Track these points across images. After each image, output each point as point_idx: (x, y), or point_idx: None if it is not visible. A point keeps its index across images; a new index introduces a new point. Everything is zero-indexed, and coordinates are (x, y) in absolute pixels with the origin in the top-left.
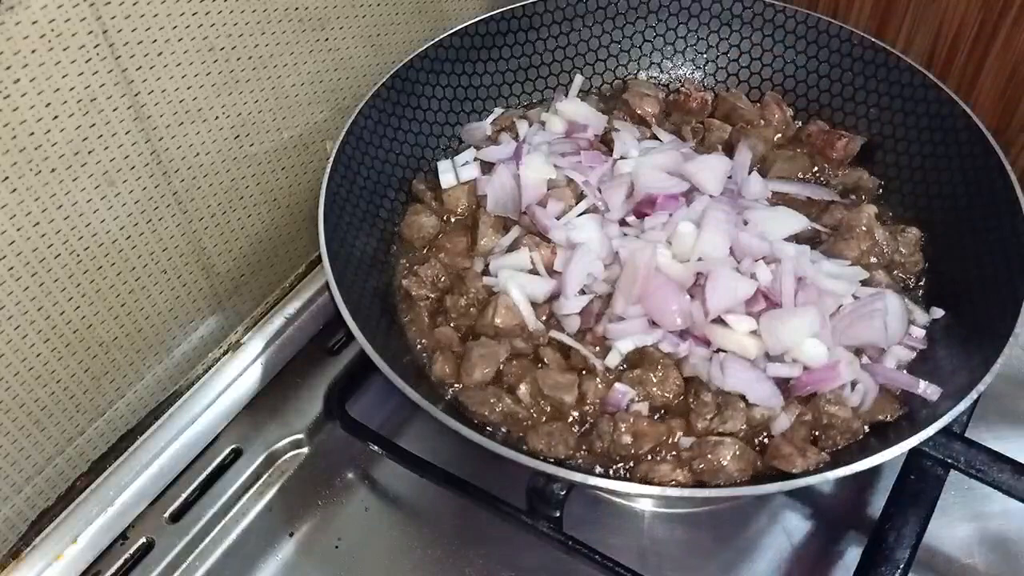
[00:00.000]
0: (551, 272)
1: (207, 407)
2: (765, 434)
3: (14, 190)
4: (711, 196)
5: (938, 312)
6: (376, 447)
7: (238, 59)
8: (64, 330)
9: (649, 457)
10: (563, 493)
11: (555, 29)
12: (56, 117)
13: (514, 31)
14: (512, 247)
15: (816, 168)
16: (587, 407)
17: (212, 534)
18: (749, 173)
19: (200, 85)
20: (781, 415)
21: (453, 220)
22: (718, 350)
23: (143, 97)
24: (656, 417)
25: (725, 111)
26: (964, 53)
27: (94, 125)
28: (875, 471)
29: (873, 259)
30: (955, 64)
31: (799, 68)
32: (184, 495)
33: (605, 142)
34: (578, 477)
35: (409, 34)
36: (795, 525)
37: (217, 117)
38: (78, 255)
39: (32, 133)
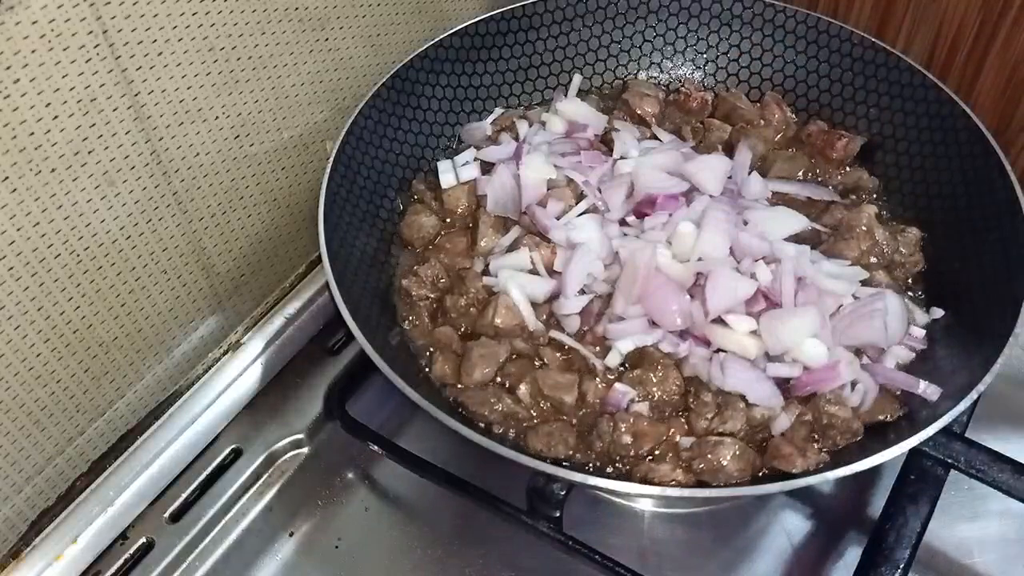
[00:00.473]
0: (551, 272)
1: (207, 407)
2: (765, 434)
3: (14, 190)
4: (711, 196)
5: (938, 312)
6: (376, 447)
7: (238, 59)
8: (64, 330)
9: (649, 457)
10: (563, 493)
11: (555, 29)
12: (56, 117)
13: (514, 31)
14: (512, 247)
15: (816, 168)
16: (587, 407)
17: (212, 534)
18: (749, 173)
19: (200, 85)
20: (781, 415)
21: (453, 220)
22: (718, 350)
23: (143, 97)
24: (656, 417)
25: (725, 111)
26: (964, 53)
27: (94, 125)
28: (875, 471)
29: (873, 259)
30: (955, 64)
31: (799, 68)
32: (184, 495)
33: (605, 142)
34: (578, 477)
35: (409, 34)
36: (795, 525)
37: (217, 117)
38: (78, 255)
39: (32, 133)
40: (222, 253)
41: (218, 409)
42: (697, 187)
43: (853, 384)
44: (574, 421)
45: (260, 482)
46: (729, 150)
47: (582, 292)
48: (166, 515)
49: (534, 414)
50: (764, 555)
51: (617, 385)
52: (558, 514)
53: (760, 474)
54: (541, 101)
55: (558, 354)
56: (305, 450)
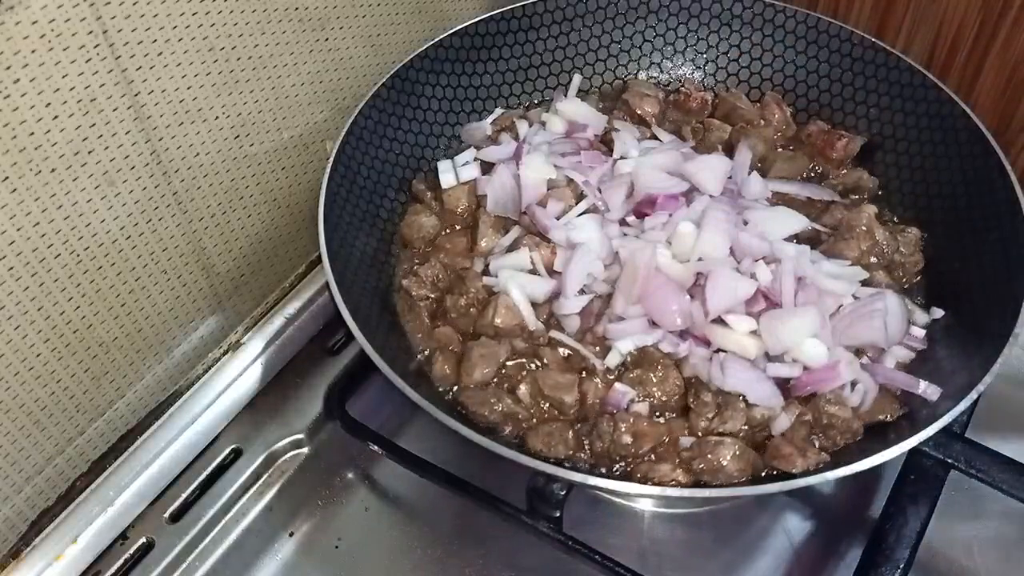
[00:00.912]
0: (551, 272)
1: (207, 407)
2: (765, 434)
3: (14, 190)
4: (711, 196)
5: (938, 312)
6: (376, 447)
7: (238, 59)
8: (64, 330)
9: (649, 457)
10: (563, 493)
11: (555, 29)
12: (56, 117)
13: (514, 31)
14: (512, 247)
15: (816, 168)
16: (587, 407)
17: (212, 534)
18: (749, 173)
19: (200, 85)
20: (781, 415)
21: (453, 220)
22: (718, 350)
23: (143, 97)
24: (656, 417)
25: (725, 111)
26: (964, 53)
27: (94, 125)
28: (875, 471)
29: (873, 259)
30: (955, 64)
31: (799, 68)
32: (184, 495)
33: (605, 142)
34: (578, 477)
35: (409, 34)
36: (795, 525)
37: (217, 117)
38: (78, 255)
39: (32, 133)
40: (222, 253)
41: (218, 409)
42: (697, 187)
43: (853, 384)
44: (574, 421)
45: (260, 482)
46: (729, 150)
47: (582, 292)
48: (166, 515)
49: (534, 414)
50: (764, 555)
51: (617, 385)
52: (558, 514)
53: (760, 474)
54: (541, 101)
55: (558, 354)
56: (305, 450)
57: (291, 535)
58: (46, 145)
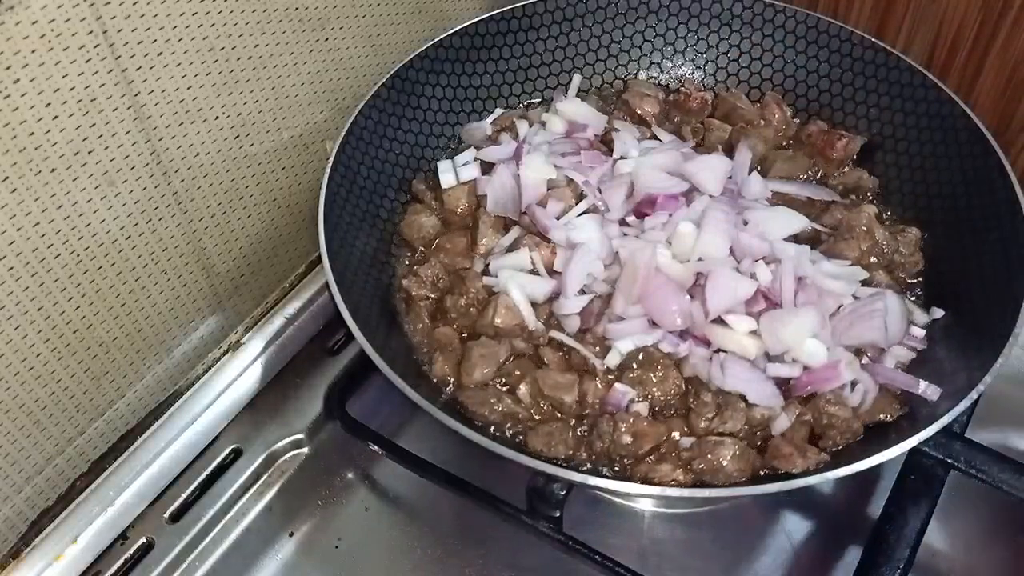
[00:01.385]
0: (551, 272)
1: (207, 407)
2: (765, 434)
3: (14, 190)
4: (711, 196)
5: (938, 312)
6: (376, 447)
7: (238, 59)
8: (64, 330)
9: (649, 457)
10: (563, 493)
11: (555, 29)
12: (56, 117)
13: (514, 31)
14: (512, 247)
15: (816, 168)
16: (587, 407)
17: (212, 534)
18: (749, 173)
19: (200, 85)
20: (781, 415)
21: (453, 220)
22: (718, 350)
23: (143, 97)
24: (656, 417)
25: (725, 111)
26: (964, 53)
27: (94, 125)
28: (875, 471)
29: (873, 259)
30: (955, 64)
31: (799, 68)
32: (184, 495)
33: (605, 142)
34: (578, 477)
35: (409, 34)
36: (795, 525)
37: (217, 117)
38: (78, 255)
39: (32, 133)
40: (222, 253)
41: (218, 409)
42: (697, 187)
43: (853, 384)
44: (573, 421)
45: (260, 482)
46: (729, 150)
47: (582, 292)
48: (166, 515)
49: (534, 414)
50: (764, 555)
51: (617, 385)
52: (558, 514)
53: (760, 474)
54: (541, 101)
55: (558, 354)
56: (305, 450)
57: (291, 535)
58: (46, 145)
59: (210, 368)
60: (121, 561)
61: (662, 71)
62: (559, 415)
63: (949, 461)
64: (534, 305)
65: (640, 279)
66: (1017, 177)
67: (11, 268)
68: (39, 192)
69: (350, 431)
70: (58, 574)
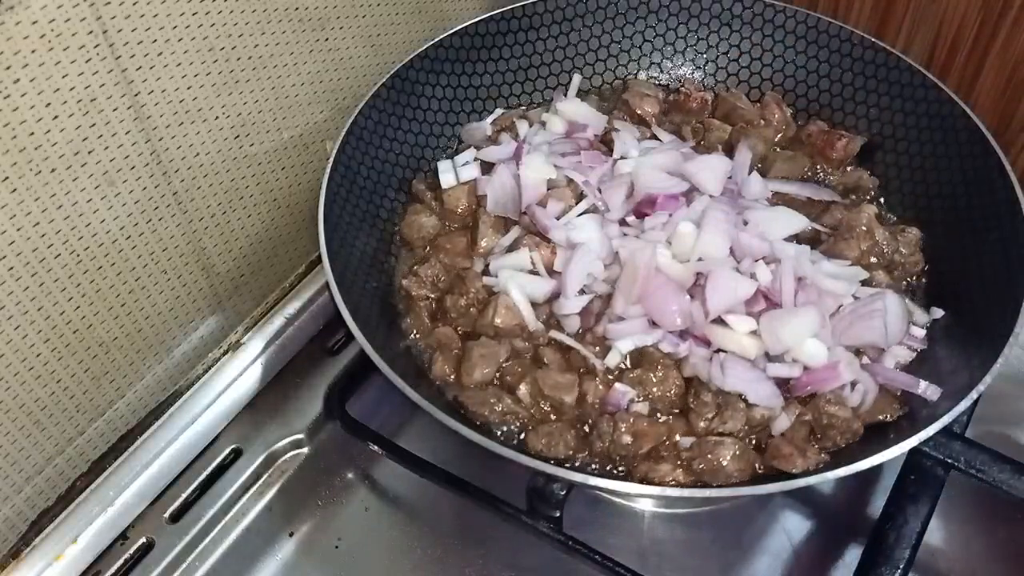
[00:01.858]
0: (551, 272)
1: (207, 407)
2: (765, 434)
3: (14, 190)
4: (711, 196)
5: (938, 312)
6: (376, 447)
7: (238, 59)
8: (64, 330)
9: (649, 457)
10: (563, 493)
11: (555, 29)
12: (56, 117)
13: (514, 31)
14: (512, 247)
15: (816, 168)
16: (587, 407)
17: (212, 534)
18: (749, 173)
19: (200, 85)
20: (781, 415)
21: (453, 220)
22: (718, 350)
23: (143, 97)
24: (656, 417)
25: (725, 111)
26: (964, 53)
27: (94, 125)
28: (875, 471)
29: (873, 259)
30: (955, 64)
31: (799, 68)
32: (184, 495)
33: (605, 142)
34: (578, 477)
35: (409, 34)
36: (795, 525)
37: (217, 117)
38: (78, 255)
39: (32, 133)
40: (222, 253)
41: (218, 409)
42: (697, 187)
43: (853, 384)
44: (573, 421)
45: (260, 482)
46: (729, 150)
47: (582, 292)
48: (166, 515)
49: (534, 414)
50: (764, 555)
51: (617, 385)
52: (558, 514)
53: (760, 474)
54: (541, 101)
55: (558, 354)
56: (305, 450)
57: (291, 535)
58: (46, 145)
59: (210, 368)
60: (121, 561)
61: (662, 71)
62: (559, 415)
63: (949, 461)
64: (534, 305)
65: (640, 279)
66: (1017, 177)
67: (11, 268)
68: (39, 192)
69: (350, 431)
70: (58, 574)
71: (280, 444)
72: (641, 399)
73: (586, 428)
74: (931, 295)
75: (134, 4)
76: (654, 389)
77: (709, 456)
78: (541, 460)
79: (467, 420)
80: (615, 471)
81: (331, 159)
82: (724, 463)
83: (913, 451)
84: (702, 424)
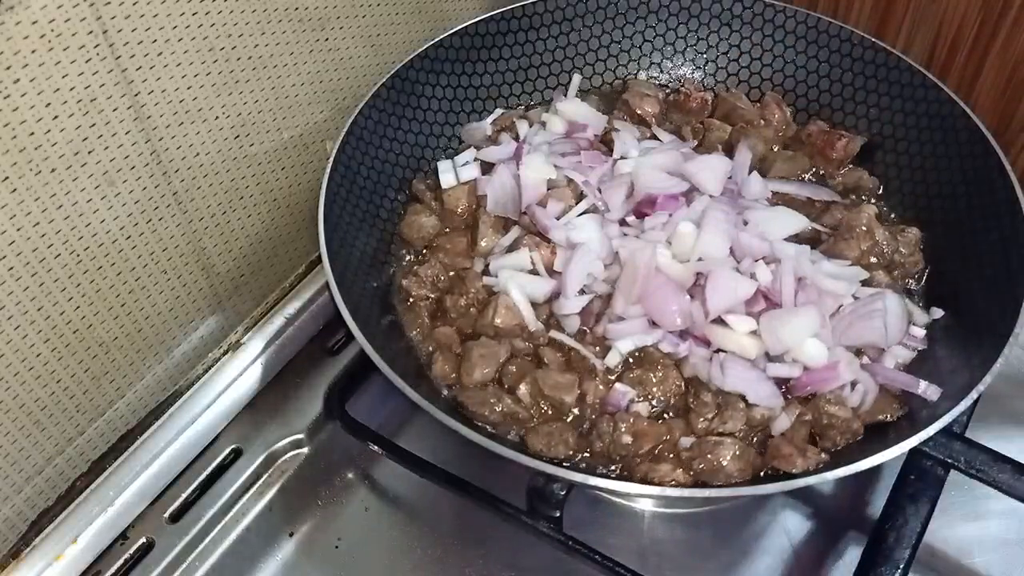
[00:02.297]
0: (551, 272)
1: (207, 407)
2: (765, 434)
3: (14, 190)
4: (711, 196)
5: (938, 312)
6: (376, 447)
7: (238, 59)
8: (64, 330)
9: (649, 457)
10: (563, 493)
11: (555, 29)
12: (56, 117)
13: (514, 31)
14: (512, 247)
15: (816, 168)
16: (587, 407)
17: (212, 534)
18: (749, 173)
19: (200, 85)
20: (781, 415)
21: (453, 220)
22: (718, 350)
23: (143, 97)
24: (656, 417)
25: (725, 111)
26: (964, 53)
27: (94, 125)
28: (875, 471)
29: (873, 259)
30: (955, 64)
31: (799, 68)
32: (184, 495)
33: (605, 142)
34: (578, 477)
35: (409, 34)
36: (795, 525)
37: (217, 117)
38: (78, 255)
39: (32, 133)
40: (222, 253)
41: (218, 409)
42: (697, 187)
43: (853, 384)
44: (573, 421)
45: (260, 482)
46: (729, 150)
47: (582, 292)
48: (166, 515)
49: (534, 414)
50: (764, 555)
51: (617, 385)
52: (558, 514)
53: (760, 474)
54: (541, 101)
55: (558, 354)
56: (305, 450)
57: (291, 535)
58: (46, 145)
59: (210, 368)
60: (121, 561)
61: (662, 71)
62: (559, 415)
63: (949, 461)
64: (534, 305)
65: (640, 279)
66: (1017, 177)
67: (11, 268)
68: (39, 192)
69: (350, 431)
70: (58, 574)
71: (280, 444)
72: (641, 399)
73: (586, 428)
74: (931, 295)
75: (134, 4)
76: (654, 389)
77: (709, 456)
78: (541, 460)
79: (467, 420)
80: (615, 471)
81: (331, 159)
82: (724, 463)
83: (913, 451)
84: (702, 424)
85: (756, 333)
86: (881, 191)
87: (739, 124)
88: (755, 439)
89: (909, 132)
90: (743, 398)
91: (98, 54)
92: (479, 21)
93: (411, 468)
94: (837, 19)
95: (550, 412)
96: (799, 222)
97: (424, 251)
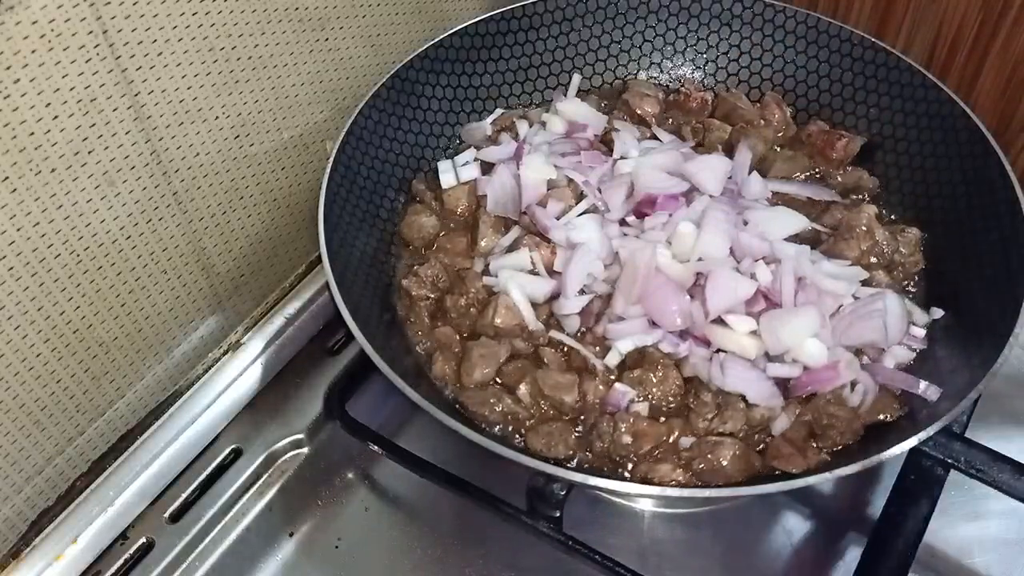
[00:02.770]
0: (551, 272)
1: (207, 407)
2: (765, 434)
3: (14, 190)
4: (711, 196)
5: (938, 312)
6: (376, 447)
7: (238, 59)
8: (64, 330)
9: (649, 457)
10: (563, 493)
11: (555, 29)
12: (56, 117)
13: (514, 31)
14: (512, 247)
15: (816, 168)
16: (587, 407)
17: (212, 534)
18: (749, 173)
19: (200, 85)
20: (781, 415)
21: (453, 220)
22: (718, 350)
23: (143, 97)
24: (656, 417)
25: (725, 111)
26: (964, 53)
27: (94, 125)
28: (875, 471)
29: (873, 259)
30: (955, 64)
31: (799, 68)
32: (184, 495)
33: (605, 142)
34: (578, 477)
35: (409, 34)
36: (795, 525)
37: (217, 117)
38: (78, 255)
39: (32, 133)
40: (222, 253)
41: (218, 409)
42: (697, 187)
43: (853, 384)
44: (573, 421)
45: (260, 482)
46: (729, 150)
47: (582, 292)
48: (166, 515)
49: (534, 414)
50: (764, 555)
51: (617, 385)
52: (558, 514)
53: (760, 474)
54: (541, 101)
55: (558, 354)
56: (305, 450)
57: (291, 535)
58: (46, 145)
59: (210, 368)
60: (121, 561)
61: (662, 71)
62: (559, 415)
63: (949, 461)
64: (534, 305)
65: (640, 279)
66: (1017, 177)
67: (11, 268)
68: (39, 192)
69: (350, 431)
70: (58, 574)
71: (280, 444)
72: (641, 399)
73: (586, 428)
74: (931, 295)
75: (134, 4)
76: (654, 389)
77: (709, 456)
78: (541, 460)
79: (467, 420)
80: (615, 471)
81: (331, 159)
82: (724, 463)
83: (913, 451)
84: (702, 424)
85: (756, 333)
86: (881, 191)
87: (739, 124)
88: (755, 439)
89: (909, 132)
90: (743, 398)
91: (98, 54)
92: (479, 21)
93: (411, 468)
94: (837, 19)
95: (550, 412)
96: (799, 222)
97: (424, 251)
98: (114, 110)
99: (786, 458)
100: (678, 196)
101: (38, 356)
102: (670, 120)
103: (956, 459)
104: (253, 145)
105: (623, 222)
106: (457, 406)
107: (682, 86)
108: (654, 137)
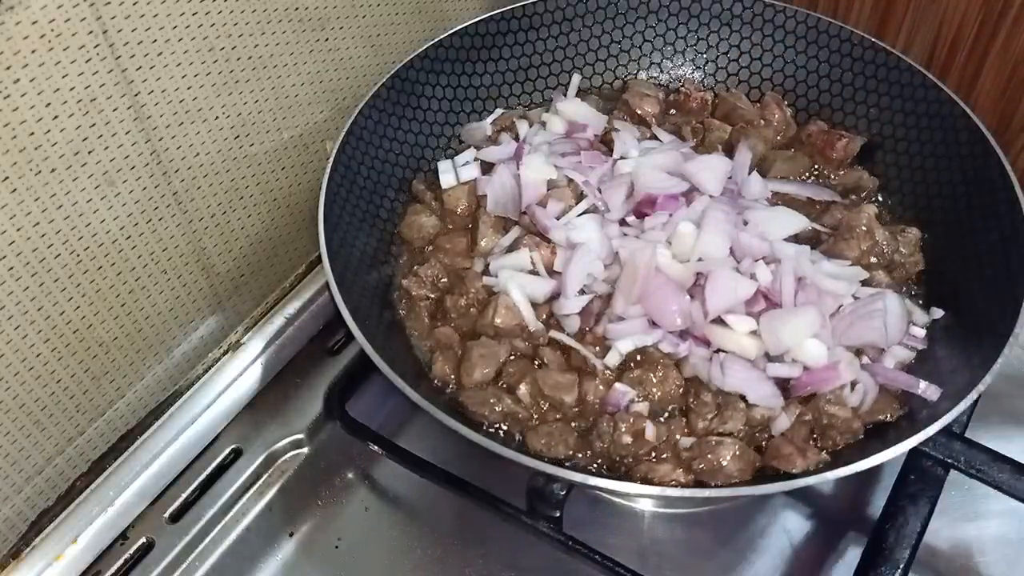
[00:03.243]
0: (551, 272)
1: (207, 407)
2: (765, 434)
3: (14, 190)
4: (711, 196)
5: (938, 312)
6: (376, 447)
7: (238, 59)
8: (64, 330)
9: (649, 457)
10: (563, 493)
11: (555, 29)
12: (56, 117)
13: (514, 31)
14: (512, 247)
15: (816, 168)
16: (587, 407)
17: (212, 534)
18: (749, 173)
19: (200, 85)
20: (781, 415)
21: (453, 220)
22: (718, 350)
23: (143, 97)
24: (656, 417)
25: (725, 111)
26: (964, 53)
27: (94, 125)
28: (875, 471)
29: (873, 259)
30: (955, 64)
31: (799, 68)
32: (184, 495)
33: (605, 142)
34: (578, 477)
35: (409, 34)
36: (795, 525)
37: (217, 117)
38: (78, 255)
39: (32, 133)
40: (222, 253)
41: (218, 409)
42: (697, 187)
43: (853, 384)
44: (573, 421)
45: (260, 482)
46: (729, 150)
47: (582, 292)
48: (166, 515)
49: (534, 414)
50: (764, 555)
51: (617, 385)
52: (558, 514)
53: (760, 474)
54: (541, 101)
55: (558, 354)
56: (305, 450)
57: (291, 535)
58: (46, 145)
59: (210, 368)
60: (121, 561)
61: (662, 71)
62: (559, 415)
63: (949, 461)
64: (534, 305)
65: (640, 279)
66: (1017, 177)
67: (11, 268)
68: (39, 192)
69: (350, 431)
70: (58, 574)
71: (280, 444)
72: (641, 399)
73: (586, 428)
74: (931, 295)
75: (134, 4)
76: (654, 389)
77: (709, 456)
78: (541, 460)
79: (467, 420)
80: (615, 471)
81: (331, 159)
82: (724, 463)
83: (913, 451)
84: (702, 424)
85: (756, 333)
86: (881, 191)
87: (739, 124)
88: (755, 439)
89: (909, 132)
90: (743, 398)
91: (98, 54)
92: (479, 21)
93: (411, 468)
94: (837, 19)
95: (550, 412)
96: (799, 222)
97: (424, 251)
98: (114, 110)
99: (786, 458)
100: (678, 196)
101: (38, 356)
102: (670, 120)
103: (956, 459)
104: (253, 145)
105: (623, 222)
106: (457, 406)
107: (682, 86)
108: (654, 137)
